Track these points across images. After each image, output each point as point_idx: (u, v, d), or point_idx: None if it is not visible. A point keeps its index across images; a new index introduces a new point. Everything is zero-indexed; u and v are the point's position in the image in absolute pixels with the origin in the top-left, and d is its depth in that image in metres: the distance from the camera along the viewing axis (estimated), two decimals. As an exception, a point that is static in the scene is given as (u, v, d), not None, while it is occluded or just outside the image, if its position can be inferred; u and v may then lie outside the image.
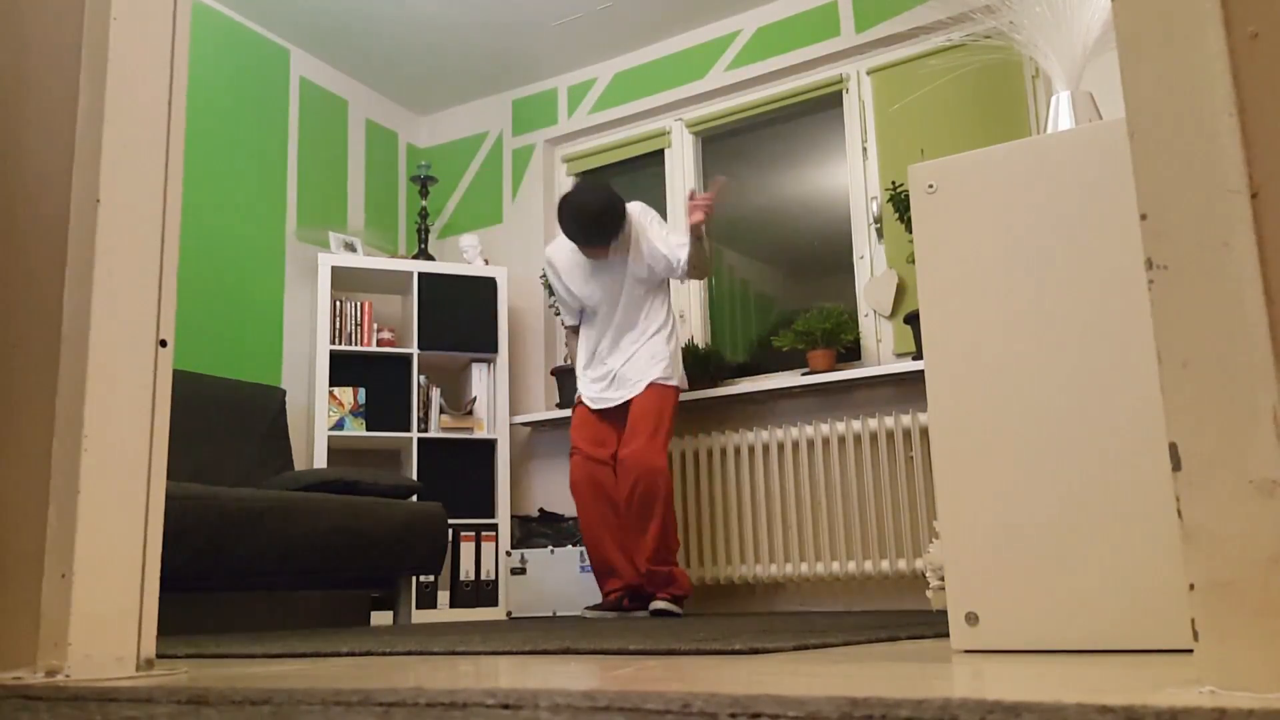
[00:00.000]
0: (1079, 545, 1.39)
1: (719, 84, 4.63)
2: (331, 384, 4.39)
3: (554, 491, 4.72)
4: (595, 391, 3.88)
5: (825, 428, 3.95)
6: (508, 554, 4.41)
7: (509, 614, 4.36)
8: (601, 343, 3.88)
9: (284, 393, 4.24)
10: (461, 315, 4.58)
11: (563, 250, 3.93)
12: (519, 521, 4.57)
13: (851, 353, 4.18)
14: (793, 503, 3.95)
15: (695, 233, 3.64)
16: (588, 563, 4.22)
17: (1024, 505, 1.44)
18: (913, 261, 2.19)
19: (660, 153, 4.85)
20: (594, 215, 3.60)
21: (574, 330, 4.06)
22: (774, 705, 0.67)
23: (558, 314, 4.21)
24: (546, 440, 4.81)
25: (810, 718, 0.64)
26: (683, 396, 4.23)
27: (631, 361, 3.81)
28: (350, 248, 4.70)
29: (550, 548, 4.33)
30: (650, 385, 3.75)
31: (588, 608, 3.84)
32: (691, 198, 3.64)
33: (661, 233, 3.81)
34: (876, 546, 3.78)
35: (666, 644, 1.56)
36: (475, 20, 4.60)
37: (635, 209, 3.83)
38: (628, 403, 3.82)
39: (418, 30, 4.66)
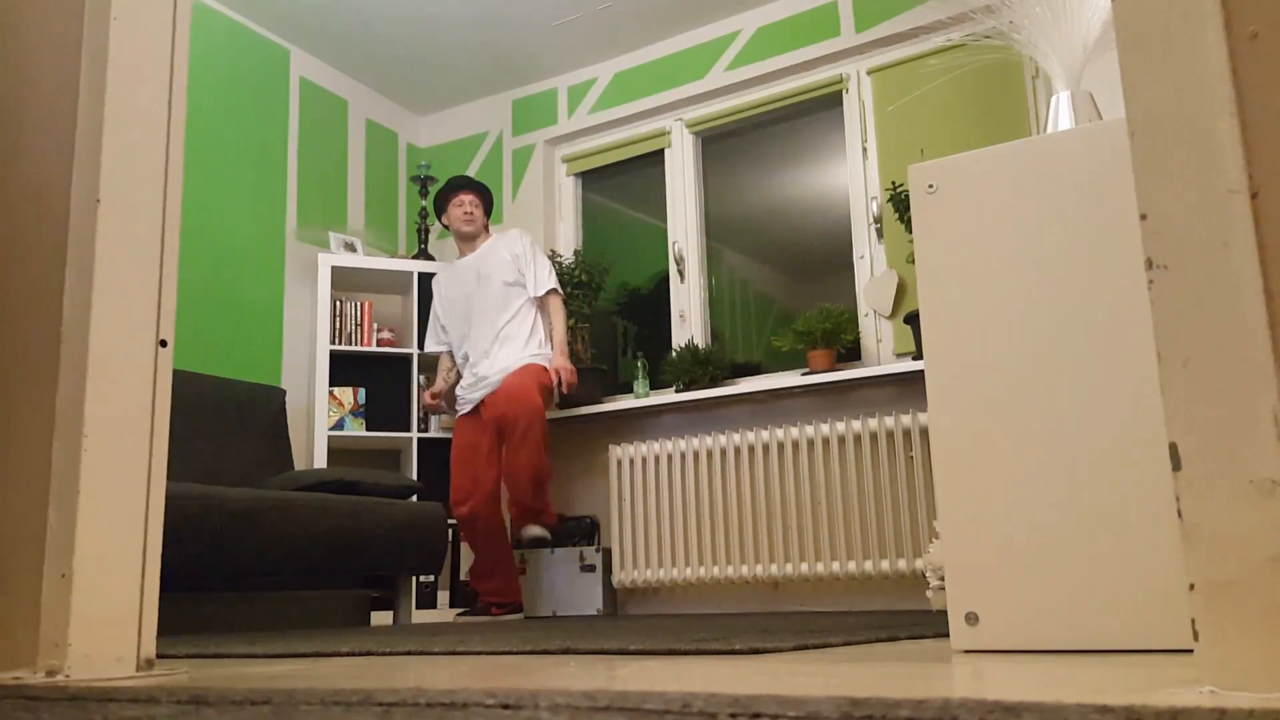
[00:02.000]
0: (1079, 545, 1.39)
1: (719, 84, 4.63)
2: (331, 384, 4.40)
3: (553, 492, 4.72)
4: (465, 396, 4.21)
5: (825, 428, 3.94)
6: (508, 554, 4.41)
7: (509, 614, 4.36)
8: (471, 347, 4.21)
9: (284, 393, 4.24)
10: (461, 315, 4.57)
11: (442, 274, 4.50)
12: (519, 521, 4.57)
13: (851, 353, 4.18)
14: (793, 503, 3.95)
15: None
16: (588, 561, 4.23)
17: (1024, 505, 1.44)
18: (913, 261, 2.19)
19: (660, 153, 4.85)
20: (476, 182, 4.51)
21: (440, 355, 4.44)
22: (774, 705, 0.67)
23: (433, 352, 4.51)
24: (546, 440, 4.81)
25: (810, 718, 0.64)
26: (684, 395, 4.24)
27: (495, 363, 4.13)
28: (350, 248, 4.70)
29: (550, 548, 4.32)
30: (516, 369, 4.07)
31: (459, 614, 4.09)
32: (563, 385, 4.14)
33: (540, 265, 4.27)
34: (876, 546, 3.78)
35: (666, 644, 1.56)
36: (475, 20, 4.60)
37: (520, 234, 4.35)
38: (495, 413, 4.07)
39: (418, 30, 4.66)
